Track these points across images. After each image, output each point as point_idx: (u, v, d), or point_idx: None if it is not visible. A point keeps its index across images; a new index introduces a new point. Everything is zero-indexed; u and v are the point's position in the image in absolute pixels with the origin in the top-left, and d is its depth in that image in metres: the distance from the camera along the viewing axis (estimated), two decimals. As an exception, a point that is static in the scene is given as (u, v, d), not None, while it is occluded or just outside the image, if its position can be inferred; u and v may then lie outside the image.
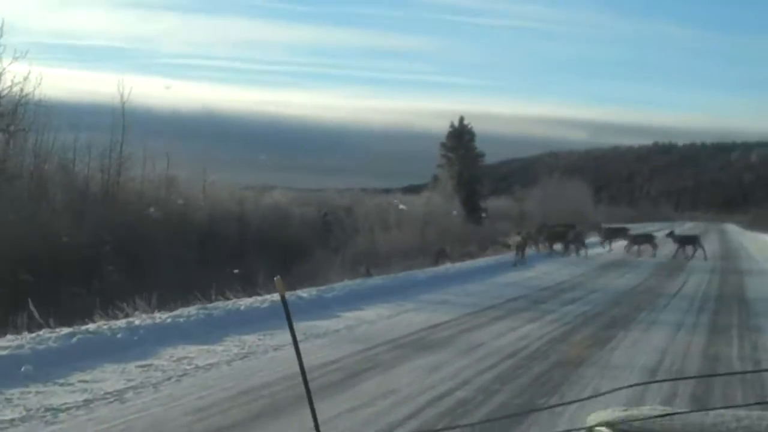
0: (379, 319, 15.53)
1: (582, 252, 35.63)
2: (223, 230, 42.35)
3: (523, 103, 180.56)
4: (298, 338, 2.65)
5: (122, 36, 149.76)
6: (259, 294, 17.55)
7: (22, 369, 9.11)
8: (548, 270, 27.75)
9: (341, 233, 46.86)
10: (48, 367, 9.51)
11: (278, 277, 3.56)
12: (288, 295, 10.92)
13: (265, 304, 15.57)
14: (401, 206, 50.59)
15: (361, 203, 54.05)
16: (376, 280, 21.34)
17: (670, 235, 37.84)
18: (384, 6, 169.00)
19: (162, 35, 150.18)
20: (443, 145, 66.02)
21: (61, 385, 8.99)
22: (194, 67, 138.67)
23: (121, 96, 37.50)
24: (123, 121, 37.14)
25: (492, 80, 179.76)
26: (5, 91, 33.77)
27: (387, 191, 71.90)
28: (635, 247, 37.55)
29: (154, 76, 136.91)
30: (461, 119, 65.95)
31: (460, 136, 65.77)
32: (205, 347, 11.70)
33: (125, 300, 15.06)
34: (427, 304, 18.01)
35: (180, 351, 11.31)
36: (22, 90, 33.79)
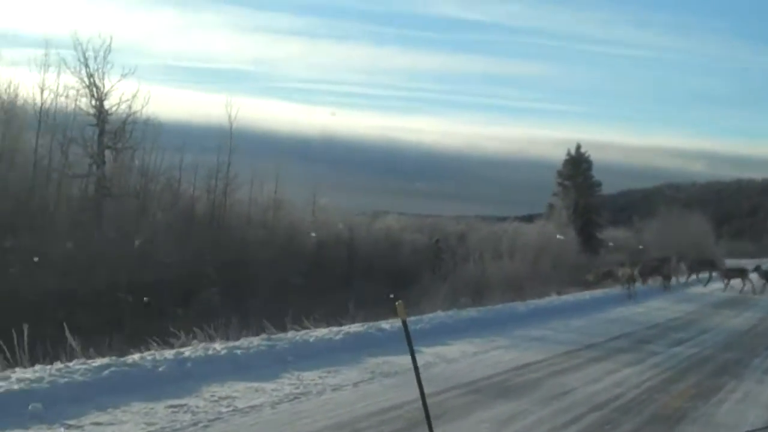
0: (462, 357, 14.12)
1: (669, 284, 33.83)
2: (331, 255, 41.39)
3: (641, 133, 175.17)
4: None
5: (247, 59, 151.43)
6: (340, 323, 16.37)
7: (29, 407, 8.04)
8: (659, 306, 25.82)
9: (451, 261, 45.43)
10: (64, 404, 8.48)
11: (400, 301, 3.80)
12: (367, 327, 14.20)
13: (339, 336, 14.42)
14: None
15: (474, 230, 52.58)
16: (470, 312, 19.83)
17: (757, 269, 36.03)
18: (504, 33, 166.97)
19: (287, 59, 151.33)
20: (559, 173, 63.91)
21: (68, 427, 7.90)
22: (317, 92, 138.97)
23: (229, 117, 37.23)
24: (230, 143, 36.81)
25: (609, 109, 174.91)
26: (113, 109, 33.78)
27: (502, 219, 69.96)
28: (726, 281, 35.31)
29: (276, 99, 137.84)
30: (578, 147, 63.79)
31: (577, 164, 63.54)
32: (255, 384, 10.56)
33: (218, 324, 14.30)
34: (521, 340, 16.49)
35: (225, 389, 10.19)
36: (130, 108, 33.78)
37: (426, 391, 11.11)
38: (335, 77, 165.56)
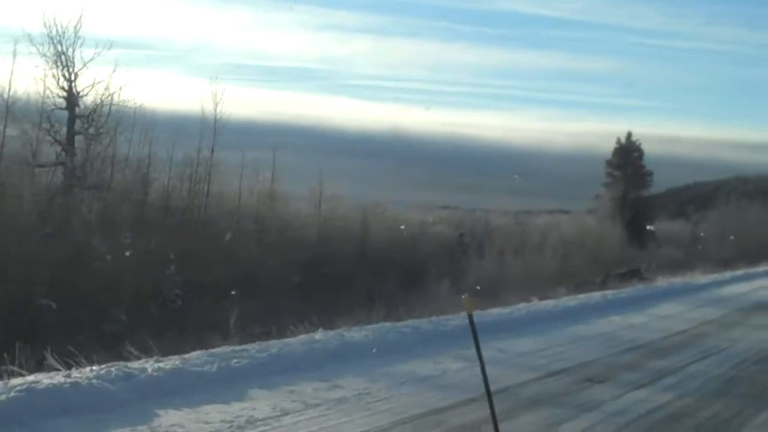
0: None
1: None
2: (336, 252, 36.78)
3: (709, 126, 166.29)
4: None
5: (315, 57, 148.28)
6: (328, 327, 13.18)
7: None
8: (670, 312, 20.46)
9: (476, 255, 40.54)
10: None
11: (466, 295, 4.53)
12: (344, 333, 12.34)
13: (318, 345, 11.78)
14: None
15: (508, 224, 47.43)
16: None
17: None
18: (573, 28, 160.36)
19: (355, 57, 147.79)
20: (608, 162, 58.29)
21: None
22: (385, 89, 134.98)
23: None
24: (214, 129, 32.49)
25: (679, 103, 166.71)
26: (86, 91, 29.51)
27: (565, 212, 64.78)
28: None
29: (344, 96, 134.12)
30: (629, 135, 58.14)
31: (627, 154, 57.89)
32: (208, 408, 8.34)
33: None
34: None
35: (172, 415, 8.03)
36: (108, 91, 29.56)
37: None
38: (403, 74, 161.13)
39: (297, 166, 37.57)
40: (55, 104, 29.39)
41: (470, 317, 3.72)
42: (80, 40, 29.25)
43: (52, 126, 29.39)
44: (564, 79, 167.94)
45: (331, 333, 12.81)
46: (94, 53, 29.37)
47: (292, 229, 35.01)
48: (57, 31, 28.89)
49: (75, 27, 29.10)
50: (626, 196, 56.00)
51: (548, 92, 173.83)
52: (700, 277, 33.15)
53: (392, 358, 11.98)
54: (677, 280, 30.42)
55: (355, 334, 12.98)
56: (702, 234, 61.09)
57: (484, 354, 6.19)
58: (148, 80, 67.68)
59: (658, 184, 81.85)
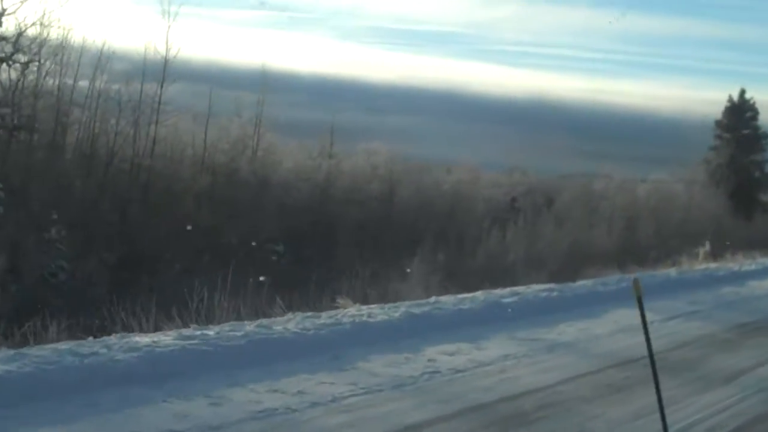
0: None
1: None
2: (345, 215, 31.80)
3: None
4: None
5: (460, 22, 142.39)
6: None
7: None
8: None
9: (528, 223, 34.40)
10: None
11: (636, 277, 4.17)
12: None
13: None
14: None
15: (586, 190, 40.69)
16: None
17: None
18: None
19: (501, 22, 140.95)
20: (718, 123, 49.99)
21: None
22: (530, 55, 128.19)
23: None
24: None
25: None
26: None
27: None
28: None
29: (488, 62, 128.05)
30: (742, 92, 49.58)
31: (740, 113, 49.43)
32: None
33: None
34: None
35: None
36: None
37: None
38: (547, 40, 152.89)
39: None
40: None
41: (639, 300, 3.56)
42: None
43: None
44: (708, 47, 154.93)
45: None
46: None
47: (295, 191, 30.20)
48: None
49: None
50: (734, 161, 47.89)
51: (691, 60, 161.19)
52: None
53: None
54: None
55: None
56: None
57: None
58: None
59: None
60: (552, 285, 14.08)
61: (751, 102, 49.55)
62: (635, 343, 8.16)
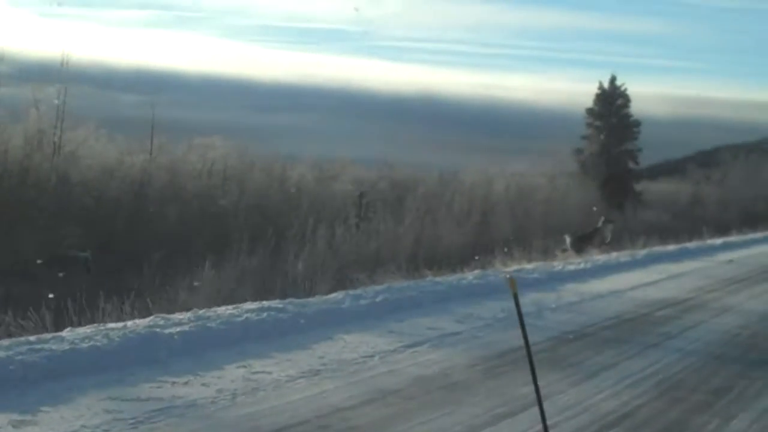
0: None
1: None
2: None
3: (746, 88, 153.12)
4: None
5: (349, 19, 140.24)
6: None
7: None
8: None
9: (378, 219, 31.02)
10: None
11: (511, 275, 4.88)
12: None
13: None
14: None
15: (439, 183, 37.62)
16: None
17: None
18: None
19: (387, 18, 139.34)
20: (589, 111, 47.73)
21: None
22: (416, 50, 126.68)
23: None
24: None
25: (717, 64, 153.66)
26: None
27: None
28: None
29: (379, 59, 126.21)
30: (612, 79, 47.37)
31: (610, 101, 47.21)
32: None
33: None
34: None
35: None
36: None
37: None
38: (436, 36, 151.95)
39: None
40: None
41: (515, 295, 3.65)
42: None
43: None
44: (600, 41, 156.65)
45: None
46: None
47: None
48: None
49: None
50: (606, 149, 45.67)
51: (582, 53, 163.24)
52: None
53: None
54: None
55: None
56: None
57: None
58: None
59: (687, 147, 71.97)
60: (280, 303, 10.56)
61: (623, 88, 47.34)
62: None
